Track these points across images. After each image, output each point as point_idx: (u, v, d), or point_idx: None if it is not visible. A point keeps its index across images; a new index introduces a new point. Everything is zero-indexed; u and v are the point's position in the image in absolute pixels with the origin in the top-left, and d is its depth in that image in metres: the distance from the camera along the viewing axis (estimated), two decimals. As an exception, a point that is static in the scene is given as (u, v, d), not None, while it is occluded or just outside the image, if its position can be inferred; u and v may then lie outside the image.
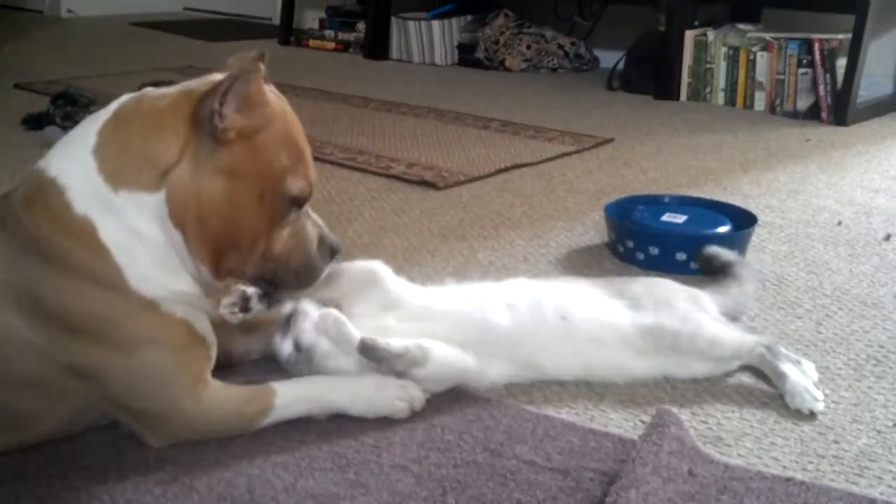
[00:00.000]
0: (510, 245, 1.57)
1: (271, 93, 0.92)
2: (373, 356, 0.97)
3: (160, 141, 0.86)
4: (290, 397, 0.96)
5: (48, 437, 0.92)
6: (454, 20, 3.49)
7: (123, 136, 0.87)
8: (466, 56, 3.45)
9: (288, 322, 1.01)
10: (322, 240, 0.97)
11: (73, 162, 0.88)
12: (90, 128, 0.89)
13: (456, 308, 1.06)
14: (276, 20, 4.19)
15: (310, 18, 4.27)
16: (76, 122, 2.47)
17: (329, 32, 3.94)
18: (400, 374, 0.99)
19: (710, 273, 1.35)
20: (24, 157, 2.05)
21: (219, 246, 0.90)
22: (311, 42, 3.93)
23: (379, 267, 1.08)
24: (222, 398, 0.93)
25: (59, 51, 3.64)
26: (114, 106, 0.91)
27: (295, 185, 0.92)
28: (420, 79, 3.21)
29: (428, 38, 3.49)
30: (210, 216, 0.88)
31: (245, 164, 0.88)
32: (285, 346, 1.00)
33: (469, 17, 3.50)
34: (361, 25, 3.76)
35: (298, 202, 0.93)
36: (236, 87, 0.85)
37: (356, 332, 0.98)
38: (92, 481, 0.88)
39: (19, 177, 1.87)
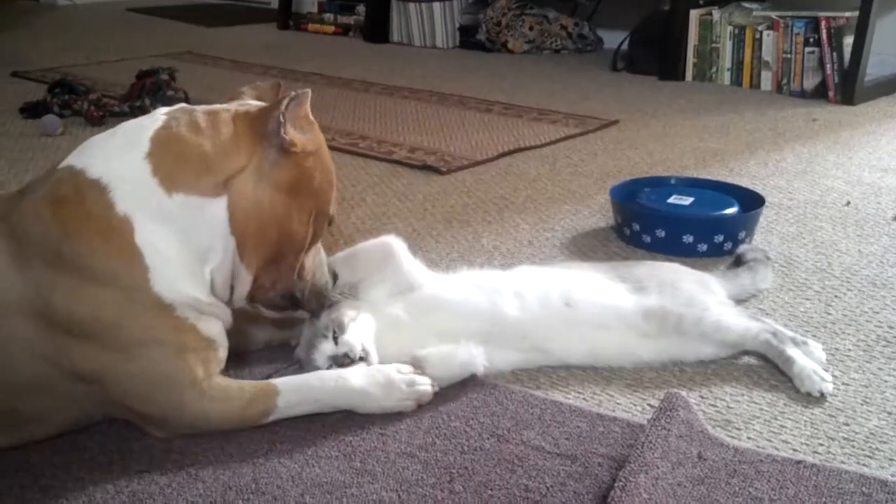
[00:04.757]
0: (515, 229, 1.56)
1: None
2: None
3: (224, 150, 0.89)
4: (294, 399, 0.95)
5: (54, 435, 0.92)
6: (455, 2, 3.45)
7: (181, 143, 0.89)
8: (468, 38, 3.41)
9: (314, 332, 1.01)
10: (329, 265, 1.03)
11: (122, 165, 0.88)
12: (139, 134, 0.90)
13: (466, 299, 1.05)
14: (275, 4, 4.16)
15: (309, 2, 4.23)
16: (74, 111, 2.47)
17: (328, 16, 3.91)
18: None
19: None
20: (21, 145, 2.04)
21: (269, 256, 0.94)
22: (310, 26, 3.90)
23: (393, 242, 1.09)
24: (224, 400, 0.91)
25: (57, 39, 3.62)
26: (161, 116, 0.92)
27: (333, 207, 0.99)
28: (421, 62, 3.18)
29: (429, 21, 3.46)
30: (270, 225, 0.92)
31: (304, 180, 0.93)
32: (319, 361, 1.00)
33: (470, -1, 3.47)
34: (361, 8, 3.73)
35: (330, 223, 1.00)
36: (293, 107, 0.90)
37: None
38: (97, 471, 0.88)
39: (17, 165, 1.89)
